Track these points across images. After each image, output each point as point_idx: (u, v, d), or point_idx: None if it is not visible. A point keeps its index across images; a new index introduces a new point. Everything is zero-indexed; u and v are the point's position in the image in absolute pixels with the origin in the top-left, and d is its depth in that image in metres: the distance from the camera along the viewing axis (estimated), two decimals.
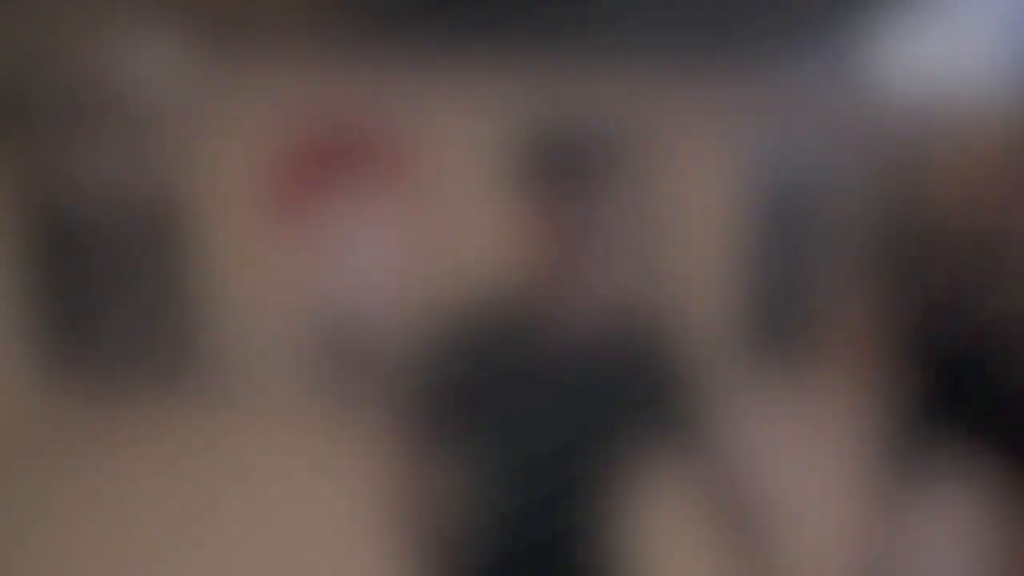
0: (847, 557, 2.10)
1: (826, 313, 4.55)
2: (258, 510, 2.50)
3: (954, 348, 1.70)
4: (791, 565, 2.08)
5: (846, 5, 3.29)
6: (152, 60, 3.40)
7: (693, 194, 4.24)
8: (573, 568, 0.83)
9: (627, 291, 0.83)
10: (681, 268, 4.33)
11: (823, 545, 2.18)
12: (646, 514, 0.97)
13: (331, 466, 2.84)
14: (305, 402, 3.59)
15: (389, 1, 2.94)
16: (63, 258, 3.75)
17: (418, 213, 3.68)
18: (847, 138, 4.31)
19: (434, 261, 3.60)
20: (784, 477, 2.74)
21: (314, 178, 3.62)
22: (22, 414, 3.61)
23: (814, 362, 4.38)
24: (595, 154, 0.77)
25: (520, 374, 0.78)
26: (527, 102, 3.83)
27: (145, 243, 3.78)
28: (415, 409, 0.82)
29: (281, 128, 3.68)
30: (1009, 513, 1.65)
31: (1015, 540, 1.65)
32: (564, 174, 0.75)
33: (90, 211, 3.73)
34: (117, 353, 3.81)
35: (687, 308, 4.35)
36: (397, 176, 3.71)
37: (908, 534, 1.81)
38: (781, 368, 4.43)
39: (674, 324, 0.87)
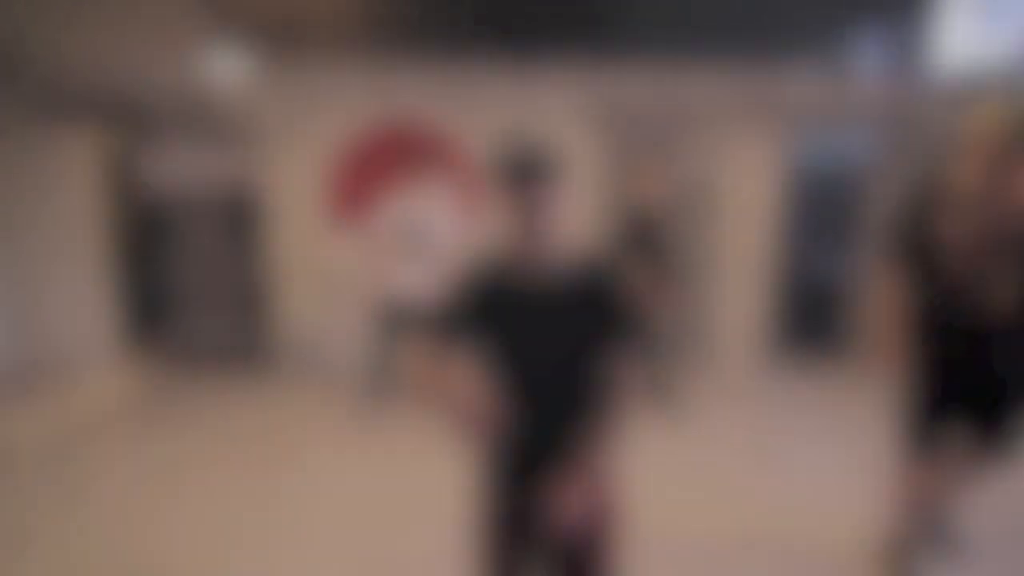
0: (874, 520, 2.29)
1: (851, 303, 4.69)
2: (328, 470, 2.96)
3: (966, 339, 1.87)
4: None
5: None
6: (233, 69, 3.81)
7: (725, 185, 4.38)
8: (565, 413, 1.32)
9: (575, 260, 1.34)
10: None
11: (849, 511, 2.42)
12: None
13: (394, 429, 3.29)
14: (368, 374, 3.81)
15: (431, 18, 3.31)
16: (155, 246, 4.37)
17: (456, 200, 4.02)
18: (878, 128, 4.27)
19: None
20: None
21: (370, 171, 4.06)
22: (118, 389, 4.11)
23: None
24: (543, 170, 1.23)
25: (515, 299, 1.30)
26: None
27: (226, 232, 4.36)
28: (452, 327, 1.33)
29: (342, 128, 4.13)
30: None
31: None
32: (524, 184, 1.22)
33: (178, 204, 4.30)
34: (203, 334, 4.46)
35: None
36: (441, 169, 4.10)
37: (929, 497, 2.06)
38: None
39: (605, 274, 1.36)
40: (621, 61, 3.83)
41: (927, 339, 1.95)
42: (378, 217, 3.43)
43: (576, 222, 3.93)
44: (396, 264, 3.27)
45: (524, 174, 1.22)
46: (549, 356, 1.30)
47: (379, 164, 4.05)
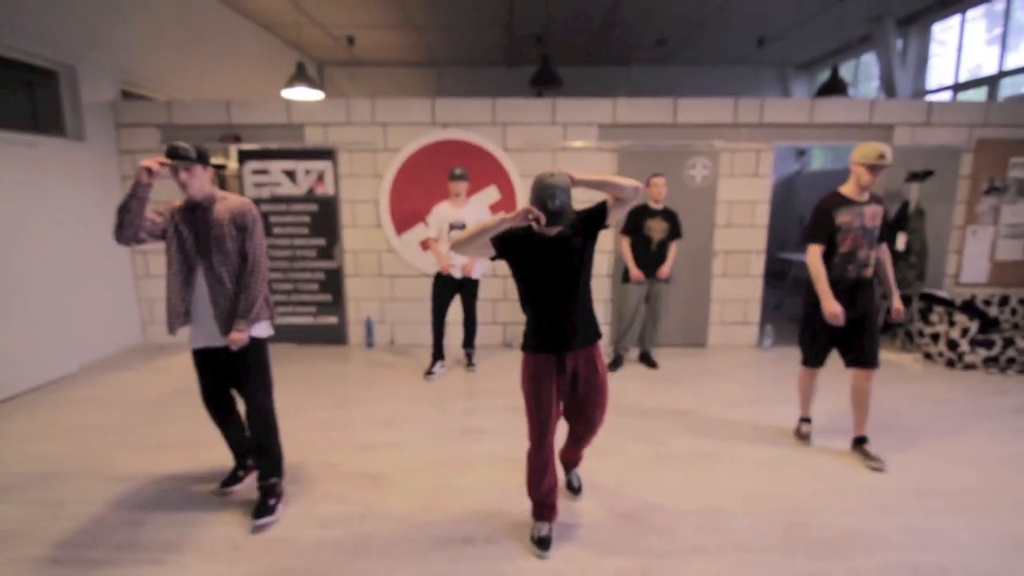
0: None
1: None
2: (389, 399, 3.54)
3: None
4: None
5: None
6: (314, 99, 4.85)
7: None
8: (585, 320, 2.21)
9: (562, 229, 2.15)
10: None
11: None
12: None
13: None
14: None
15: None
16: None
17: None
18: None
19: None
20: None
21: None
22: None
23: None
24: (554, 192, 1.97)
25: (532, 242, 2.14)
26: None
27: (311, 230, 5.30)
28: (498, 246, 2.12)
29: (404, 147, 5.13)
30: None
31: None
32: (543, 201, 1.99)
33: (273, 206, 5.29)
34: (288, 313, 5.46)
35: None
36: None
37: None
38: None
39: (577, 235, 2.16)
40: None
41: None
42: (432, 216, 4.37)
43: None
44: (446, 250, 4.22)
45: (543, 196, 1.98)
46: (550, 272, 2.15)
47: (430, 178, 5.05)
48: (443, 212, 4.29)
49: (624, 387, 4.18)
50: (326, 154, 5.10)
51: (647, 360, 4.77)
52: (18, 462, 3.04)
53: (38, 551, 2.26)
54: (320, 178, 5.14)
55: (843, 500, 2.64)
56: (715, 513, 2.53)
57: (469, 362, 4.58)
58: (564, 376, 2.19)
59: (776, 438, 3.32)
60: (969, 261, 5.30)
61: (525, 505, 2.46)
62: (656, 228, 4.40)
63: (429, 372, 4.38)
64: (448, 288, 4.33)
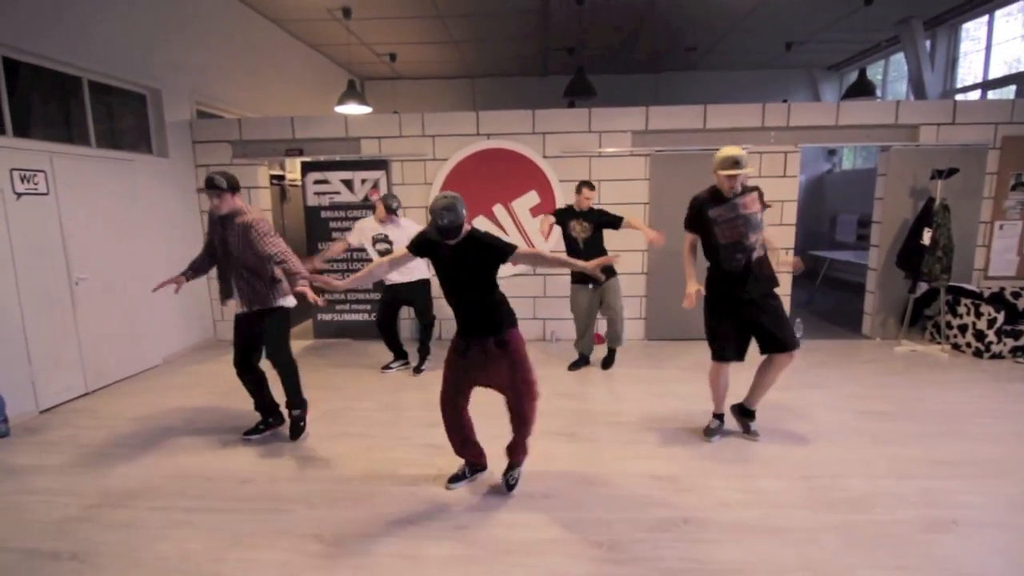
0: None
1: None
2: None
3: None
4: None
5: None
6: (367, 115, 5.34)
7: None
8: (482, 316, 2.56)
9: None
10: None
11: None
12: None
13: None
14: None
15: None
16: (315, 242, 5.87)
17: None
18: None
19: None
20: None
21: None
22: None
23: None
24: (442, 214, 2.39)
25: (442, 249, 2.51)
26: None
27: None
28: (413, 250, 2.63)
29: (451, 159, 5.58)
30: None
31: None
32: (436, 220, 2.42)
33: (331, 212, 5.81)
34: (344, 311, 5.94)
35: None
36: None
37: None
38: None
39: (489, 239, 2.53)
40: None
41: (711, 278, 3.17)
42: (355, 229, 4.78)
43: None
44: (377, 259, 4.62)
45: (436, 216, 2.38)
46: (459, 274, 2.52)
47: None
48: (367, 226, 4.67)
49: (658, 375, 4.51)
50: (380, 164, 5.57)
51: (608, 361, 4.80)
52: (133, 434, 3.54)
53: (160, 505, 2.72)
54: (375, 186, 5.61)
55: (866, 467, 2.92)
56: (746, 477, 2.84)
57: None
58: (468, 356, 2.61)
59: (800, 416, 3.59)
60: (997, 255, 5.44)
61: (571, 469, 2.82)
62: (578, 228, 4.44)
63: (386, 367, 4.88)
64: (389, 295, 4.77)
